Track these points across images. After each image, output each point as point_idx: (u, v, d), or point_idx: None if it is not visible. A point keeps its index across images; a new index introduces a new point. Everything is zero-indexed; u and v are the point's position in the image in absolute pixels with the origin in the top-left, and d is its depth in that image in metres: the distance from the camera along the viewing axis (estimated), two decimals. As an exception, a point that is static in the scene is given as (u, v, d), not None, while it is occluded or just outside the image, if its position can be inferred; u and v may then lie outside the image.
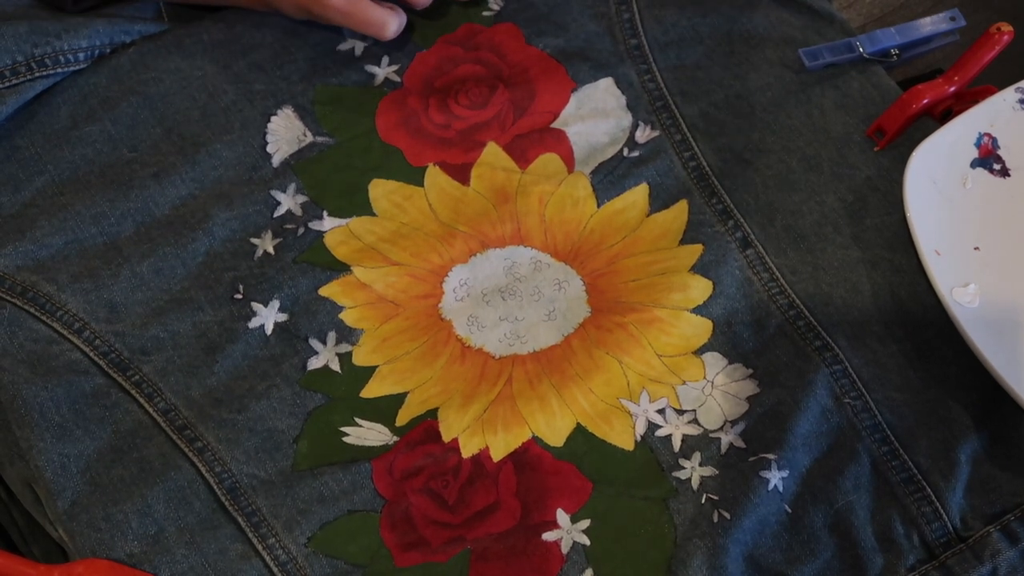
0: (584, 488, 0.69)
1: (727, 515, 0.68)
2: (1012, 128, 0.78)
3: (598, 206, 0.77)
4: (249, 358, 0.73)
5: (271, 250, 0.75)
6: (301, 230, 0.76)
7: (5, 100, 0.77)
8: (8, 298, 0.73)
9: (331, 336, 0.73)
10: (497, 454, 0.70)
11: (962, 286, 0.72)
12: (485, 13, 0.83)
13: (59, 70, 0.78)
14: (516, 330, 0.74)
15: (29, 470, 0.70)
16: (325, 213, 0.76)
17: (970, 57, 0.79)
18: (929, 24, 0.83)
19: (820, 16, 0.83)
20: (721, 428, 0.71)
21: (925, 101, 0.78)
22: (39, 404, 0.71)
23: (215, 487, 0.69)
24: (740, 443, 0.70)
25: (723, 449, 0.70)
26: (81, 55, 0.79)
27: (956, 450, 0.70)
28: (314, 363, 0.73)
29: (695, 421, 0.71)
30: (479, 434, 0.70)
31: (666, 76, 0.81)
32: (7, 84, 0.76)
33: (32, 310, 0.73)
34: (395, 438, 0.70)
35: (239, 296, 0.74)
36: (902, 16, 0.91)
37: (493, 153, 0.79)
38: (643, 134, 0.79)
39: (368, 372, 0.72)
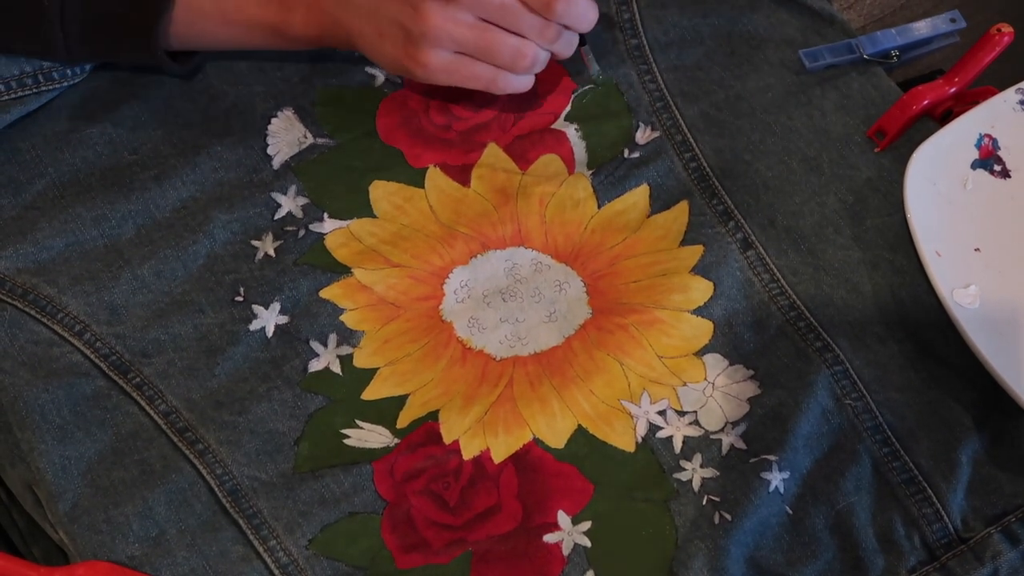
0: (585, 490, 0.69)
1: (728, 516, 0.68)
2: (1012, 129, 0.78)
3: (599, 207, 0.77)
4: (250, 360, 0.73)
5: (272, 252, 0.75)
6: (302, 232, 0.76)
7: (8, 109, 0.76)
8: (9, 300, 0.73)
9: (332, 338, 0.73)
10: (498, 456, 0.70)
11: (963, 287, 0.72)
12: (485, 14, 0.83)
13: (64, 83, 0.78)
14: (517, 331, 0.74)
15: (30, 472, 0.70)
16: (326, 215, 0.76)
17: (970, 58, 0.79)
18: (929, 25, 0.83)
19: (820, 17, 0.83)
20: (722, 429, 0.71)
21: (925, 102, 0.79)
22: (40, 406, 0.70)
23: (216, 489, 0.69)
24: (741, 444, 0.70)
25: (724, 450, 0.70)
26: (88, 66, 0.79)
27: (957, 451, 0.70)
28: (315, 365, 0.72)
29: (696, 422, 0.71)
30: (480, 436, 0.70)
31: (666, 76, 0.81)
32: (13, 96, 0.76)
33: (33, 312, 0.73)
34: (396, 440, 0.70)
35: (240, 298, 0.74)
36: (902, 17, 0.91)
37: (493, 154, 0.79)
38: (643, 135, 0.79)
39: (369, 374, 0.72)
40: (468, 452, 0.70)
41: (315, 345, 0.73)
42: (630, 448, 0.70)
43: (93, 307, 0.73)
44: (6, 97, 0.76)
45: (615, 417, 0.71)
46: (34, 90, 0.77)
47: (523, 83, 0.75)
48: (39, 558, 0.76)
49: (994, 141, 0.77)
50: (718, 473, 0.69)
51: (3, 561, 0.68)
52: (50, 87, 0.77)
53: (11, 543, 0.78)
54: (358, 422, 0.71)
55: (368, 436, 0.71)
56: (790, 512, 0.68)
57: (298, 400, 0.71)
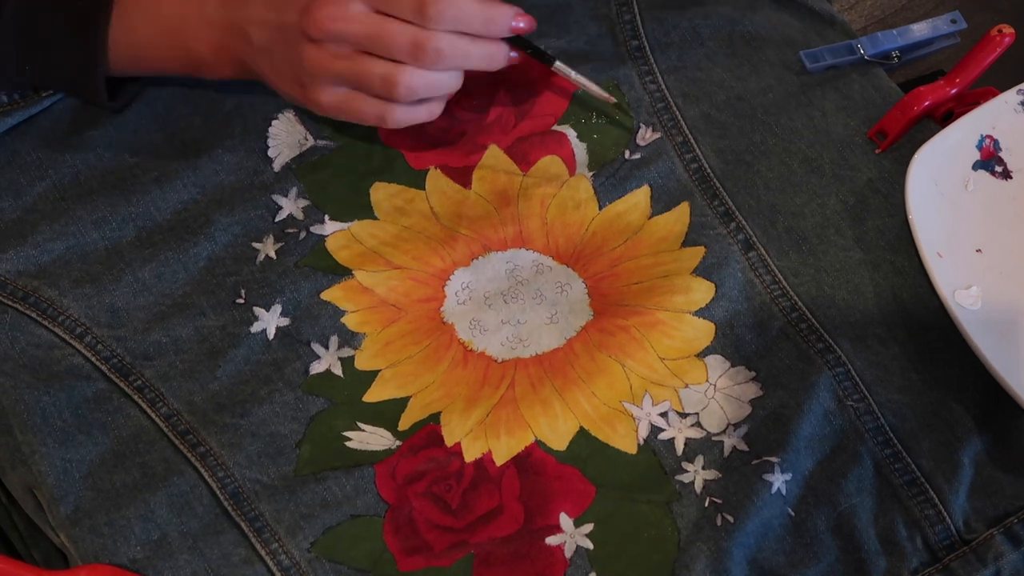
0: (587, 492, 0.69)
1: (730, 518, 0.68)
2: (1014, 130, 0.78)
3: (600, 208, 0.77)
4: (251, 363, 0.72)
5: (273, 254, 0.75)
6: (303, 234, 0.76)
7: (11, 114, 0.76)
8: (10, 303, 0.73)
9: (333, 340, 0.73)
10: (500, 458, 0.70)
11: (964, 288, 0.72)
12: (486, 15, 0.83)
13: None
14: (518, 333, 0.74)
15: (31, 475, 0.70)
16: (327, 217, 0.76)
17: (971, 59, 0.79)
18: (930, 26, 0.83)
19: (821, 18, 0.83)
20: (724, 431, 0.71)
21: (926, 103, 0.78)
22: (41, 409, 0.70)
23: (218, 492, 0.69)
24: (743, 446, 0.70)
25: (726, 452, 0.70)
26: None
27: (959, 452, 0.70)
28: (316, 367, 0.72)
29: (698, 424, 0.71)
30: (482, 438, 0.70)
31: (667, 78, 0.81)
32: (17, 106, 0.76)
33: (34, 315, 0.73)
34: (398, 442, 0.70)
35: (241, 301, 0.74)
36: (903, 18, 0.91)
37: (494, 156, 0.78)
38: (644, 136, 0.79)
39: (370, 376, 0.72)
40: (470, 454, 0.70)
41: (316, 347, 0.73)
42: (632, 450, 0.70)
43: (94, 309, 0.73)
44: (8, 107, 0.76)
45: (617, 419, 0.71)
46: (35, 99, 0.77)
47: (418, 114, 0.72)
48: (39, 561, 0.76)
49: (995, 142, 0.77)
50: (720, 475, 0.69)
51: (3, 564, 0.68)
52: (51, 94, 0.77)
53: (11, 546, 0.78)
54: (359, 424, 0.71)
55: (369, 438, 0.71)
56: (792, 514, 0.68)
57: (299, 402, 0.71)
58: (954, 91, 0.79)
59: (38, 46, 0.73)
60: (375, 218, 0.77)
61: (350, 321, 0.74)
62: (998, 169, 0.77)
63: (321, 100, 0.71)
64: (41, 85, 0.77)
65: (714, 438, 0.70)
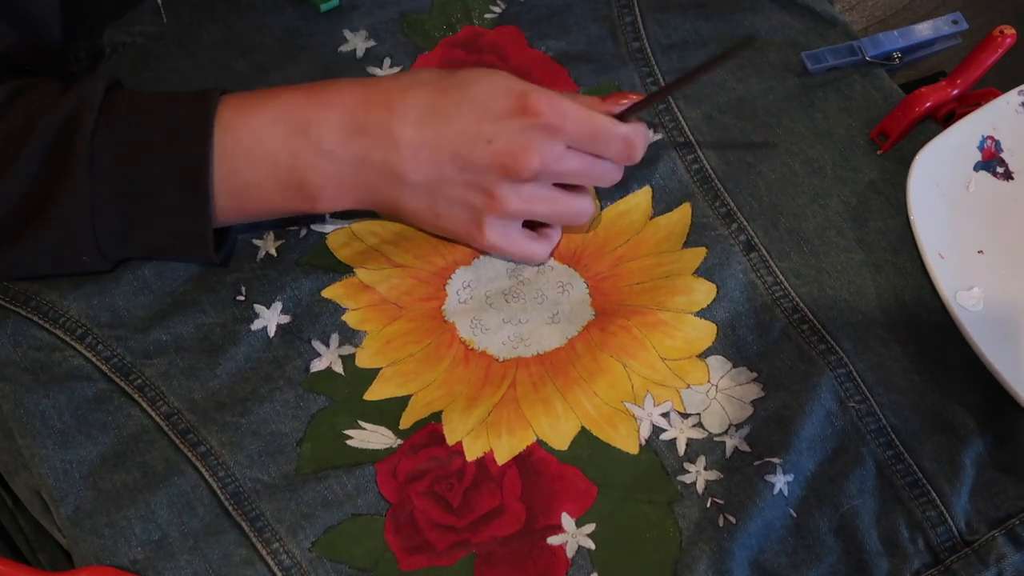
0: (589, 492, 0.69)
1: (732, 519, 0.68)
2: (1015, 131, 0.78)
3: (601, 208, 0.77)
4: (252, 360, 0.72)
5: (273, 252, 0.75)
6: (304, 232, 0.76)
7: None
8: (12, 307, 0.72)
9: (334, 338, 0.73)
10: (501, 457, 0.69)
11: (966, 289, 0.72)
12: (487, 15, 0.83)
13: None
14: (520, 333, 0.73)
15: (34, 478, 0.70)
16: (327, 215, 0.76)
17: (973, 60, 0.80)
18: (931, 27, 0.83)
19: (822, 19, 0.83)
20: (726, 432, 0.70)
21: (928, 104, 0.79)
22: (41, 412, 0.70)
23: (218, 492, 0.69)
24: (745, 447, 0.70)
25: (728, 453, 0.70)
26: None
27: (961, 454, 0.70)
28: (317, 365, 0.72)
29: (700, 425, 0.71)
30: (483, 437, 0.70)
31: (669, 79, 0.81)
32: None
33: (35, 318, 0.72)
34: (399, 441, 0.70)
35: (241, 298, 0.74)
36: (904, 19, 0.91)
37: (495, 155, 0.78)
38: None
39: (371, 374, 0.72)
40: (471, 453, 0.69)
41: (317, 345, 0.73)
42: (633, 450, 0.70)
43: (94, 309, 0.73)
44: None
45: (618, 419, 0.71)
46: None
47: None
48: (45, 564, 0.76)
49: (996, 143, 0.78)
50: (722, 476, 0.69)
51: (8, 568, 0.67)
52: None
53: (16, 549, 0.77)
54: (360, 423, 0.71)
55: (370, 437, 0.70)
56: (794, 515, 0.68)
57: (300, 401, 0.71)
58: (955, 92, 0.79)
59: (141, 210, 0.67)
60: (376, 216, 0.76)
61: (351, 319, 0.73)
62: (999, 170, 0.77)
63: (492, 238, 0.71)
64: (148, 252, 0.72)
65: (716, 439, 0.70)
